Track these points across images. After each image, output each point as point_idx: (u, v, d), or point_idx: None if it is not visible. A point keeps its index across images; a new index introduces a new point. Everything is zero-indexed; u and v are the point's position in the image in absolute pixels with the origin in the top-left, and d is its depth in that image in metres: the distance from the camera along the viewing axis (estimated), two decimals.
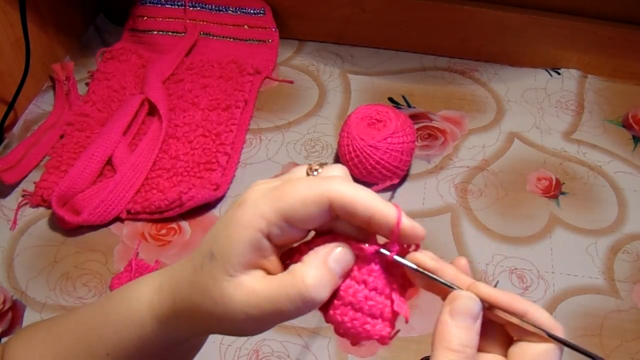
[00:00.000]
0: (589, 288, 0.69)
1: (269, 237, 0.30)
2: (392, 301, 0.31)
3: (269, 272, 0.31)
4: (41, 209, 0.76)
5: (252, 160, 0.82)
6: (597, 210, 0.77)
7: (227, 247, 0.30)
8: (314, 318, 0.66)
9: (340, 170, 0.32)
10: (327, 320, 0.32)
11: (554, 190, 0.79)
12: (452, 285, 0.31)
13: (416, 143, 0.82)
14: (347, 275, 0.31)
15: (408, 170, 0.80)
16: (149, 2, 0.98)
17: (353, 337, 0.32)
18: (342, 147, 0.76)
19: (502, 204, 0.77)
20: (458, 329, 0.29)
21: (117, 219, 0.75)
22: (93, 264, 0.71)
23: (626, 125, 0.88)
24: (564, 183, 0.80)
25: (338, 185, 0.29)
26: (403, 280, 0.33)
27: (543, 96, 0.92)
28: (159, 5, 0.98)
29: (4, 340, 0.64)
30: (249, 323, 0.30)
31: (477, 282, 0.31)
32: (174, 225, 0.75)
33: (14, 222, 0.75)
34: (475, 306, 0.30)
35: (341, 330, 0.32)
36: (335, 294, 0.31)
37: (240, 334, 0.33)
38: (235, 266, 0.30)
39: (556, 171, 0.81)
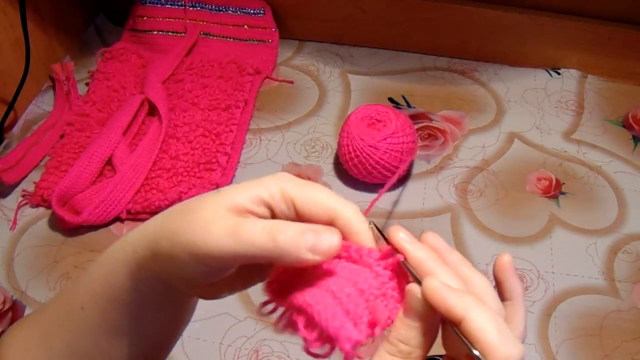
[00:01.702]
0: (589, 288, 0.69)
1: (273, 210, 0.30)
2: (372, 313, 0.29)
3: None
4: (41, 209, 0.76)
5: (252, 160, 0.82)
6: (597, 210, 0.77)
7: (234, 188, 0.30)
8: None
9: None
10: (292, 304, 0.29)
11: (554, 190, 0.79)
12: (414, 274, 0.29)
13: (417, 143, 0.82)
14: (337, 270, 0.30)
15: (408, 170, 0.80)
16: (149, 2, 0.98)
17: (319, 331, 0.29)
18: (342, 147, 0.76)
19: (502, 204, 0.77)
20: (401, 323, 0.29)
21: (117, 219, 0.75)
22: None
23: (626, 125, 0.88)
24: (564, 183, 0.80)
25: (348, 212, 0.31)
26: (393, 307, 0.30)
27: (543, 96, 0.92)
28: (159, 5, 0.98)
29: None
30: (198, 248, 0.29)
31: (430, 277, 0.28)
32: None
33: (14, 222, 0.75)
34: (419, 304, 0.28)
35: (302, 321, 0.29)
36: (315, 281, 0.30)
37: (192, 275, 0.31)
38: (227, 201, 0.30)
39: (556, 171, 0.81)
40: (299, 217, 0.31)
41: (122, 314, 0.34)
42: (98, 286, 0.34)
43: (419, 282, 0.29)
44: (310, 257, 0.28)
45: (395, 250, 0.31)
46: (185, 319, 0.39)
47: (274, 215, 0.31)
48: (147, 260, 0.32)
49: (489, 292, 0.30)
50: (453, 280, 0.29)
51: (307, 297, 0.29)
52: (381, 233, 0.32)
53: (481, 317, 0.26)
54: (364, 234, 0.31)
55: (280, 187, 0.30)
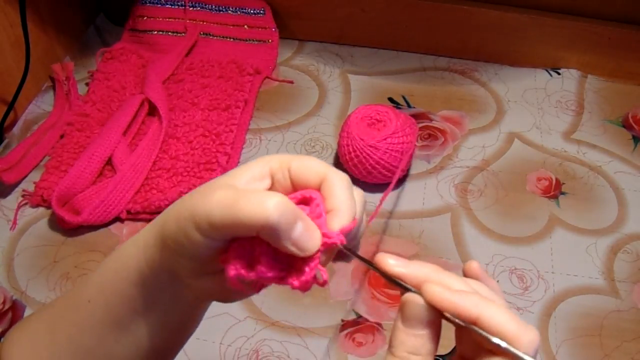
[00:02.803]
0: (589, 288, 0.69)
1: (273, 179, 0.32)
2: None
3: None
4: (41, 209, 0.76)
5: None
6: (597, 210, 0.77)
7: (239, 169, 0.32)
8: (314, 318, 0.66)
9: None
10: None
11: (554, 190, 0.79)
12: (407, 286, 0.29)
13: (416, 143, 0.82)
14: None
15: (408, 170, 0.80)
16: (149, 2, 0.98)
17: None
18: (342, 147, 0.76)
19: (502, 204, 0.77)
20: (406, 335, 0.28)
21: (117, 219, 0.75)
22: (93, 264, 0.71)
23: (626, 125, 0.88)
24: (564, 183, 0.80)
25: (334, 177, 0.31)
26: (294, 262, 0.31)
27: (543, 96, 0.92)
28: (159, 5, 0.98)
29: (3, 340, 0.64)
30: (208, 219, 0.29)
31: (429, 283, 0.28)
32: None
33: (14, 222, 0.75)
34: (423, 312, 0.28)
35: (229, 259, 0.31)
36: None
37: (198, 253, 0.31)
38: (236, 179, 0.32)
39: (556, 171, 0.81)
40: (292, 183, 0.32)
41: (128, 309, 0.35)
42: (106, 280, 0.35)
43: (406, 290, 0.29)
44: (291, 248, 0.29)
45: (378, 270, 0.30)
46: (192, 325, 0.39)
47: (272, 186, 0.33)
48: (155, 249, 0.32)
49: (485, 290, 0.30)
50: (464, 285, 0.29)
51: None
52: (357, 256, 0.31)
53: (495, 311, 0.27)
54: (344, 201, 0.31)
55: (278, 159, 0.33)
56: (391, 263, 0.30)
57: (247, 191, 0.30)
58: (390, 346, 0.29)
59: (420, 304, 0.28)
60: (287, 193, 0.32)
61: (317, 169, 0.32)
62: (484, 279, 0.32)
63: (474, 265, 0.32)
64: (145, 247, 0.33)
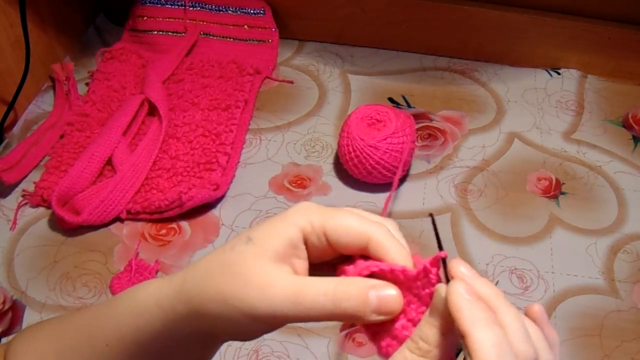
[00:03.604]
0: (589, 288, 0.69)
1: (306, 242, 0.32)
2: None
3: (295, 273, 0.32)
4: (41, 209, 0.76)
5: (252, 160, 0.82)
6: (597, 210, 0.77)
7: (268, 235, 0.31)
8: None
9: (392, 225, 0.34)
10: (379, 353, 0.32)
11: (554, 190, 0.79)
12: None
13: (416, 143, 0.82)
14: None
15: (408, 170, 0.80)
16: (149, 2, 0.98)
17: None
18: (342, 147, 0.76)
19: (502, 204, 0.77)
20: (424, 322, 0.29)
21: (117, 219, 0.75)
22: (93, 264, 0.71)
23: (626, 125, 0.88)
24: (564, 183, 0.80)
25: (380, 234, 0.31)
26: None
27: (543, 96, 0.92)
28: (159, 5, 0.98)
29: (4, 340, 0.64)
30: (258, 312, 0.30)
31: (457, 280, 0.29)
32: (174, 225, 0.75)
33: (14, 222, 0.75)
34: (441, 304, 0.28)
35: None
36: (384, 326, 0.31)
37: (243, 331, 0.32)
38: (269, 253, 0.31)
39: (556, 171, 0.81)
40: (330, 246, 0.32)
41: (150, 355, 0.35)
42: (128, 332, 0.34)
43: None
44: (376, 318, 0.30)
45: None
46: (213, 355, 0.39)
47: (306, 245, 0.32)
48: (187, 317, 0.32)
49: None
50: (516, 322, 0.28)
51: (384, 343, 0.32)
52: (437, 237, 0.32)
53: (485, 338, 0.26)
54: (398, 253, 0.31)
55: (309, 220, 0.31)
56: (461, 270, 0.30)
57: (306, 285, 0.30)
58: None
59: (441, 296, 0.29)
60: (324, 256, 0.32)
61: (356, 230, 0.31)
62: (542, 324, 0.31)
63: (535, 308, 0.31)
64: (172, 311, 0.32)
